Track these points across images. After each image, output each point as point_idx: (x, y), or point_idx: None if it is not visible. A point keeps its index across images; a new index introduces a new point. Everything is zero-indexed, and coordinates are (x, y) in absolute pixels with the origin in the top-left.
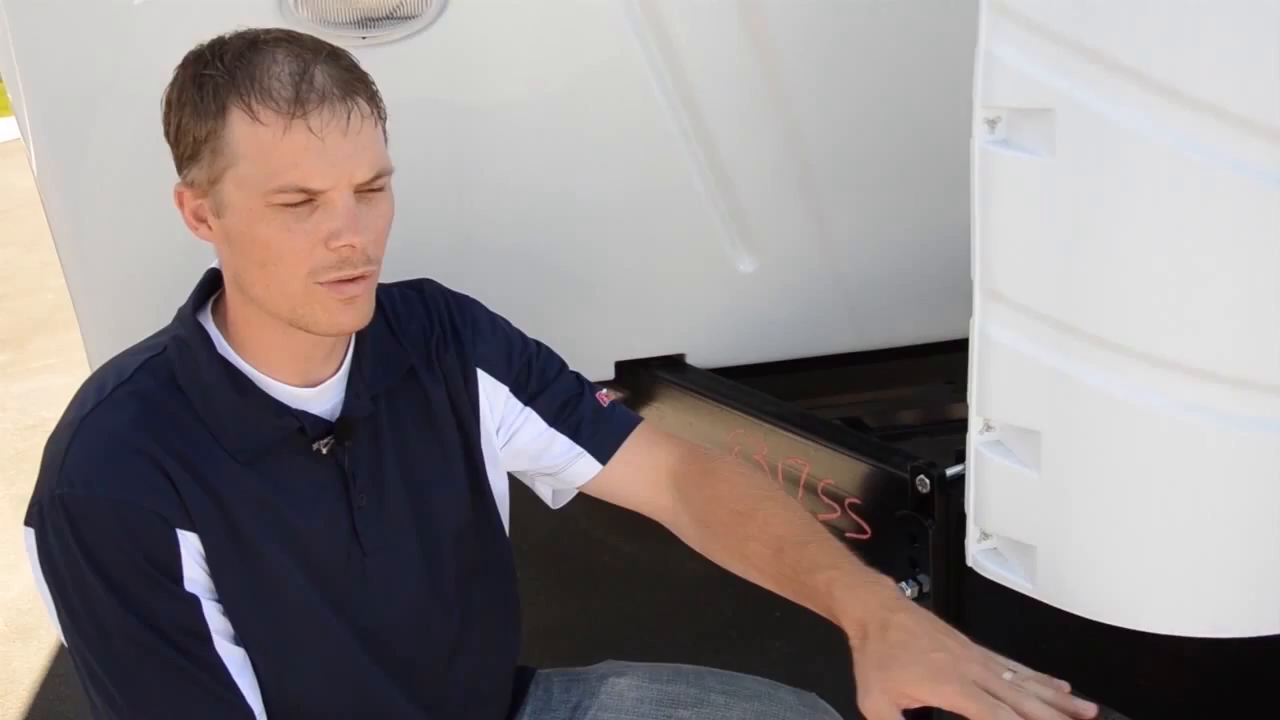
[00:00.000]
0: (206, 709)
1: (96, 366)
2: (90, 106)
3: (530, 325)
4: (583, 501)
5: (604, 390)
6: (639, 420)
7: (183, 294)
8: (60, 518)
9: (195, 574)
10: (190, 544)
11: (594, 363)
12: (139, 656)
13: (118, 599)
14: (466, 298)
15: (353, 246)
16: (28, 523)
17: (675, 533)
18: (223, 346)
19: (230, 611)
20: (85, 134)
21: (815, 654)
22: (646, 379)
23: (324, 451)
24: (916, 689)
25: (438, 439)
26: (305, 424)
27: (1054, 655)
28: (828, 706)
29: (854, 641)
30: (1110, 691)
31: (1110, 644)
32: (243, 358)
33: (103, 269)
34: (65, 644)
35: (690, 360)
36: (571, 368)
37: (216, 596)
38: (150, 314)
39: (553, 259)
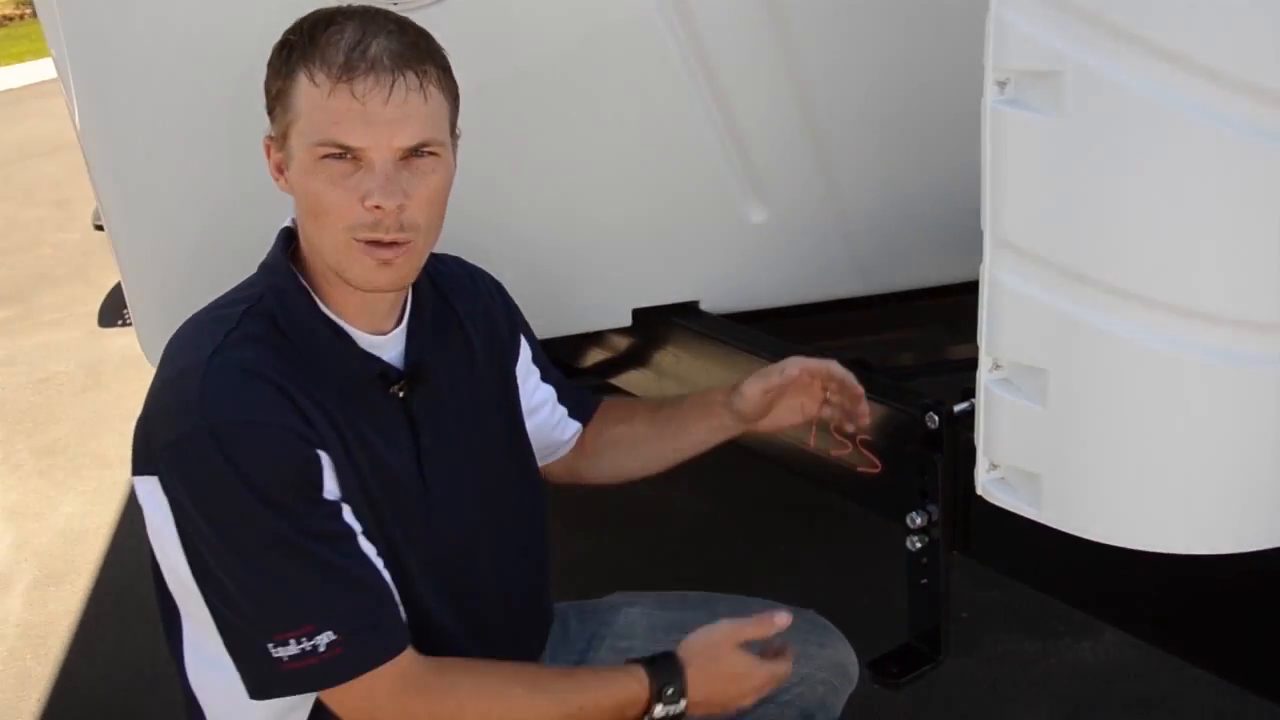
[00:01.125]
0: (361, 597)
1: (139, 317)
2: (133, 61)
3: (553, 274)
4: None
5: None
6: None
7: (227, 250)
8: (209, 447)
9: (331, 485)
10: (325, 460)
11: (613, 310)
12: (302, 564)
13: (275, 513)
14: (491, 275)
15: (380, 208)
16: (144, 472)
17: (575, 478)
18: (312, 296)
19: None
20: (129, 91)
21: (816, 589)
22: (663, 325)
23: (400, 395)
24: (781, 374)
25: (482, 389)
26: (386, 369)
27: (1054, 575)
28: (827, 622)
29: (728, 399)
30: (1107, 607)
31: (1107, 563)
32: (328, 308)
33: (149, 224)
34: (199, 583)
35: (704, 307)
36: (591, 314)
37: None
38: (198, 267)
39: (574, 212)
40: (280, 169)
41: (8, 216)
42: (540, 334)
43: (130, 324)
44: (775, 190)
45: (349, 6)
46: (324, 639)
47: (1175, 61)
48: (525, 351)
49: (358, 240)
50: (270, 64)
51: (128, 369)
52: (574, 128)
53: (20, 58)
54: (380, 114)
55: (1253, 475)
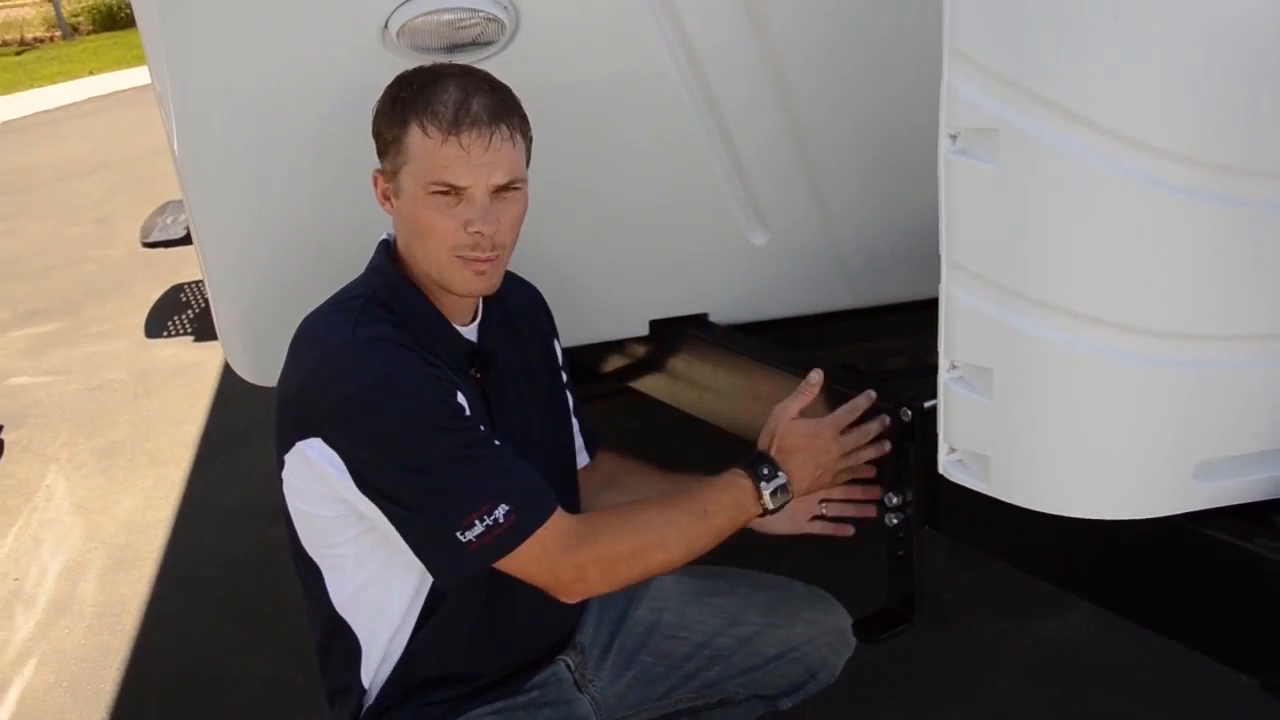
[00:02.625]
0: (515, 472)
1: (223, 323)
2: (231, 93)
3: (581, 289)
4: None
5: None
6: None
7: (306, 266)
8: (377, 397)
9: (467, 408)
10: (460, 395)
11: (632, 321)
12: (467, 463)
13: (438, 434)
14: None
15: (480, 233)
16: (304, 437)
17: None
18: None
19: None
20: (224, 122)
21: (813, 570)
22: (676, 334)
23: (478, 376)
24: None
25: (535, 374)
26: (474, 349)
27: (1005, 541)
28: (831, 597)
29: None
30: (1046, 565)
31: (1048, 529)
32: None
33: (235, 242)
34: (380, 506)
35: (712, 318)
36: (613, 324)
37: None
38: (278, 282)
39: (600, 234)
40: (387, 196)
41: (51, 234)
42: (568, 342)
43: (175, 335)
44: (775, 217)
45: (449, 65)
46: (501, 510)
47: (1083, 123)
48: (559, 354)
49: (458, 257)
50: (381, 113)
51: (176, 377)
52: (602, 164)
53: (53, 79)
54: (480, 159)
55: (1154, 454)
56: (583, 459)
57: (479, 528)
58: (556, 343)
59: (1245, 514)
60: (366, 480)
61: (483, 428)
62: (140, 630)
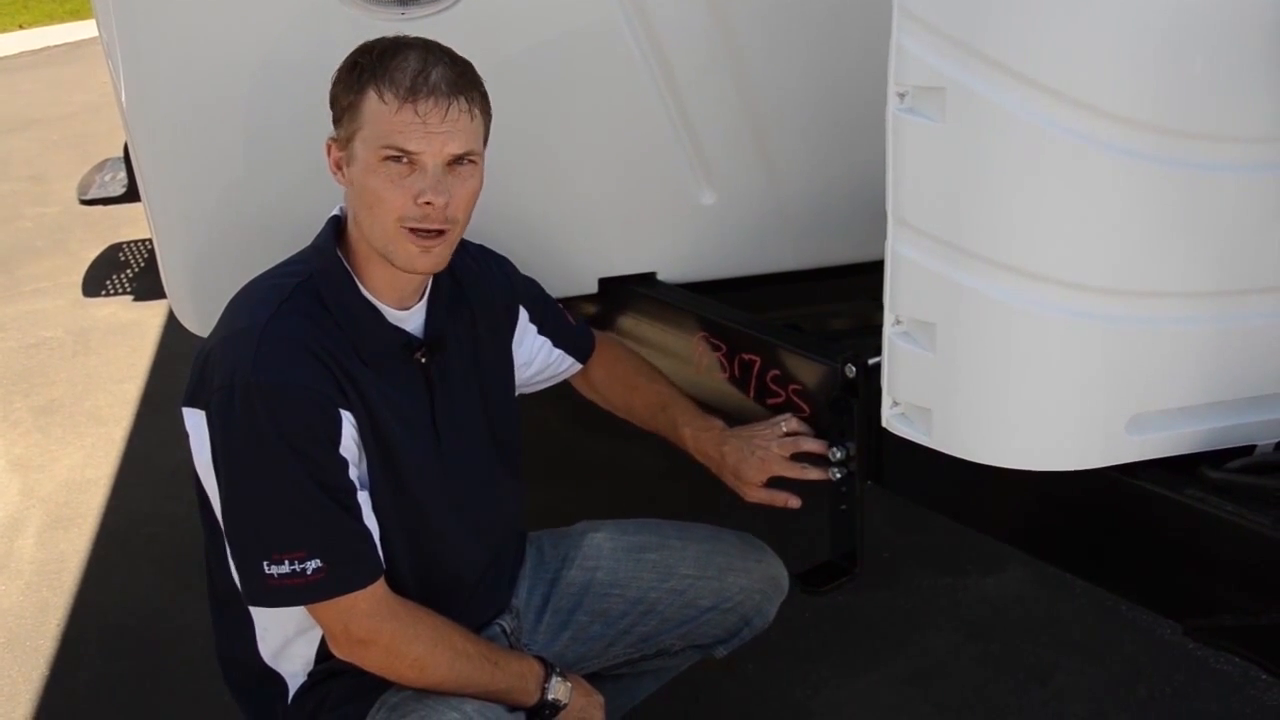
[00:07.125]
0: (348, 537)
1: (170, 281)
2: (177, 53)
3: (531, 247)
4: (547, 401)
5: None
6: (593, 334)
7: (251, 227)
8: (254, 399)
9: (347, 444)
10: (347, 420)
11: (581, 279)
12: (307, 502)
13: (295, 459)
14: (505, 257)
15: (430, 204)
16: (195, 404)
17: (590, 397)
18: (353, 277)
19: (370, 474)
20: (172, 82)
21: (755, 532)
22: (624, 293)
23: (422, 360)
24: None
25: (482, 357)
26: (410, 339)
27: (944, 494)
28: (762, 542)
29: (712, 467)
30: (983, 517)
31: (986, 481)
32: (364, 287)
33: (182, 200)
34: (222, 502)
35: (660, 277)
36: (562, 282)
37: (356, 464)
38: (224, 240)
39: (550, 194)
40: (339, 166)
41: None
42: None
43: (114, 294)
44: (723, 177)
45: (412, 37)
46: (312, 564)
47: (1028, 83)
48: (523, 317)
49: (405, 229)
50: (339, 80)
51: (115, 335)
52: (552, 123)
53: None
54: (436, 128)
55: (1089, 408)
56: (567, 362)
57: (285, 568)
58: (523, 309)
59: (1174, 466)
60: (221, 470)
61: (352, 473)
62: (80, 587)
